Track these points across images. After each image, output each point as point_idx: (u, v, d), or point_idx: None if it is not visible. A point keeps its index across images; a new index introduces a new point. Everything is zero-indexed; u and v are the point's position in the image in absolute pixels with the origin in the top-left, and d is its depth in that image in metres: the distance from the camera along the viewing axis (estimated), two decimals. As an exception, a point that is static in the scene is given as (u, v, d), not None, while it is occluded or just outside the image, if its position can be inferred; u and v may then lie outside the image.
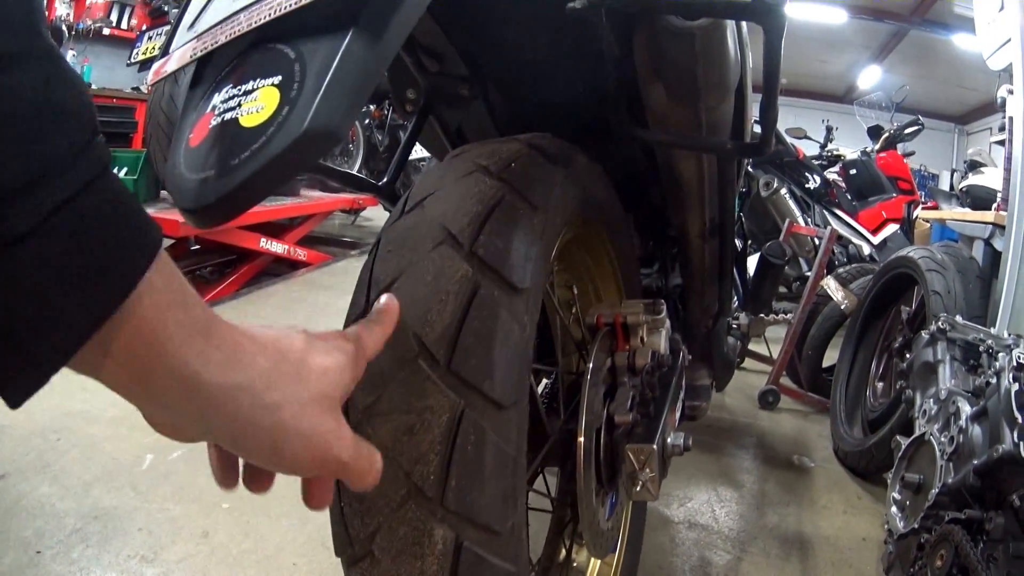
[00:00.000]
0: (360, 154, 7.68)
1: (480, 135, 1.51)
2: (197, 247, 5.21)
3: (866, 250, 6.05)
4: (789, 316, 4.02)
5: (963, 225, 3.80)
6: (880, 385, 3.52)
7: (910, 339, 2.81)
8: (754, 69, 1.40)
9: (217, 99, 0.71)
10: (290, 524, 2.18)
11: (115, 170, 0.45)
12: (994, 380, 1.81)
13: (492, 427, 0.84)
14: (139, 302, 0.44)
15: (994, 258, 3.20)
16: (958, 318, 2.31)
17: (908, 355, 2.49)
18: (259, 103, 0.65)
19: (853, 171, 6.56)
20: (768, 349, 4.25)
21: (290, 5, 0.67)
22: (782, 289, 5.44)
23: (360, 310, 0.92)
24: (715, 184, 1.65)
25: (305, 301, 4.81)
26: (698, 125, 1.28)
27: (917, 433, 2.06)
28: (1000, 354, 1.88)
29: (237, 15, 0.72)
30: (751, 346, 3.56)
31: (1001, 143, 4.62)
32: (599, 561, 1.58)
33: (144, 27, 5.44)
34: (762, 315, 3.08)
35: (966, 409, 1.85)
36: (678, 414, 1.53)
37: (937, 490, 1.73)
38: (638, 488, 1.24)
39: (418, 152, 5.38)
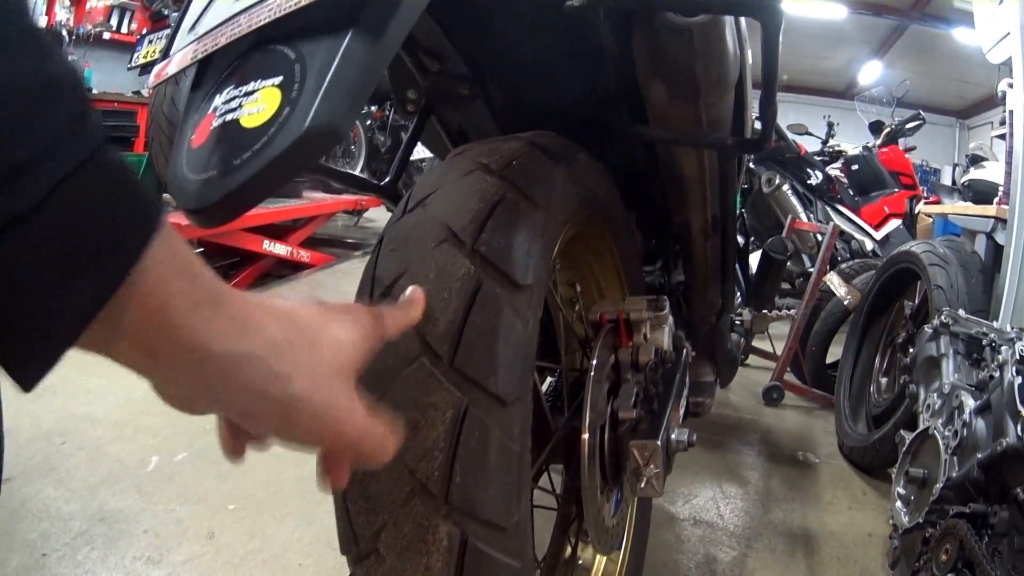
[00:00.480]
0: (362, 155, 7.68)
1: (481, 134, 1.51)
2: (200, 249, 5.20)
3: (868, 245, 6.04)
4: (792, 312, 4.02)
5: (965, 219, 3.80)
6: (884, 380, 3.52)
7: (913, 334, 2.82)
8: (753, 65, 1.41)
9: (218, 100, 0.71)
10: (296, 524, 2.18)
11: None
12: (997, 374, 1.81)
13: (496, 423, 0.84)
14: (144, 275, 0.44)
15: (996, 252, 3.21)
16: (961, 312, 2.32)
17: (911, 350, 2.49)
18: (260, 104, 0.65)
19: (855, 167, 6.56)
20: (772, 346, 4.24)
21: (290, 6, 0.67)
22: (785, 285, 5.43)
23: None
24: (716, 180, 1.65)
25: (309, 302, 4.78)
26: (698, 122, 1.28)
27: (921, 428, 2.06)
28: (1003, 348, 1.88)
29: (237, 17, 0.73)
30: (755, 343, 3.56)
31: (1002, 137, 4.63)
32: (604, 558, 1.59)
33: (144, 31, 5.45)
34: (765, 311, 3.08)
35: (970, 403, 1.85)
36: (682, 410, 1.53)
37: (941, 484, 1.73)
38: (643, 484, 1.24)
39: (419, 153, 5.38)
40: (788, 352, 4.01)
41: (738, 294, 2.92)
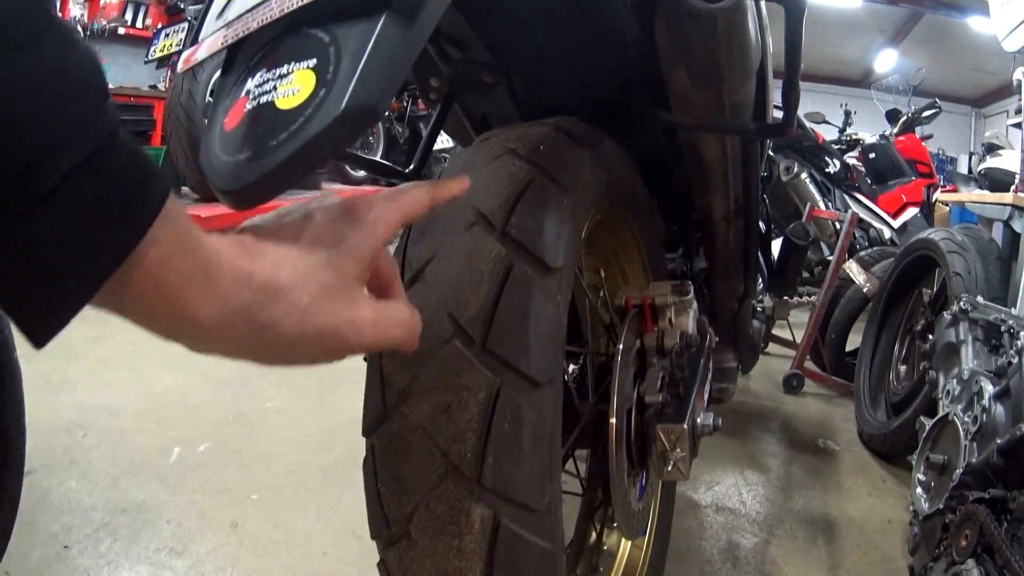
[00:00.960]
0: (380, 146, 7.71)
1: (505, 122, 1.51)
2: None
3: (887, 233, 6.04)
4: (812, 299, 4.02)
5: (982, 207, 3.77)
6: (903, 368, 3.51)
7: (932, 321, 2.80)
8: (772, 53, 1.40)
9: (251, 84, 0.71)
10: (319, 513, 2.19)
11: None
12: (1016, 359, 1.80)
13: (528, 405, 0.85)
14: (145, 252, 0.48)
15: (1013, 239, 3.18)
16: (979, 299, 2.30)
17: (930, 336, 2.48)
18: (295, 86, 0.65)
19: (872, 155, 6.54)
20: (792, 334, 4.24)
21: None
22: (805, 274, 5.42)
23: None
24: (738, 166, 1.65)
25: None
26: (720, 108, 1.28)
27: (941, 414, 2.05)
28: (1021, 333, 1.88)
29: (268, 2, 0.73)
30: (775, 331, 3.56)
31: (1018, 126, 4.61)
32: (629, 544, 1.59)
33: (160, 25, 5.47)
34: (786, 297, 3.08)
35: (989, 389, 1.84)
36: (706, 395, 1.54)
37: (961, 470, 1.72)
38: (669, 468, 1.25)
39: (440, 143, 5.39)
40: (808, 340, 4.00)
41: (760, 280, 2.91)
